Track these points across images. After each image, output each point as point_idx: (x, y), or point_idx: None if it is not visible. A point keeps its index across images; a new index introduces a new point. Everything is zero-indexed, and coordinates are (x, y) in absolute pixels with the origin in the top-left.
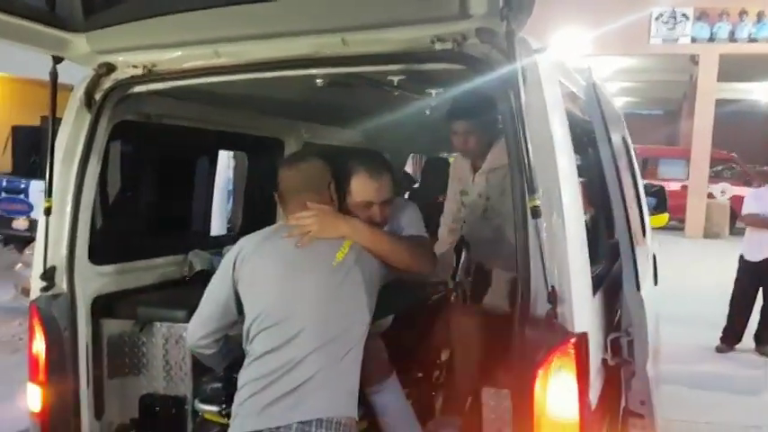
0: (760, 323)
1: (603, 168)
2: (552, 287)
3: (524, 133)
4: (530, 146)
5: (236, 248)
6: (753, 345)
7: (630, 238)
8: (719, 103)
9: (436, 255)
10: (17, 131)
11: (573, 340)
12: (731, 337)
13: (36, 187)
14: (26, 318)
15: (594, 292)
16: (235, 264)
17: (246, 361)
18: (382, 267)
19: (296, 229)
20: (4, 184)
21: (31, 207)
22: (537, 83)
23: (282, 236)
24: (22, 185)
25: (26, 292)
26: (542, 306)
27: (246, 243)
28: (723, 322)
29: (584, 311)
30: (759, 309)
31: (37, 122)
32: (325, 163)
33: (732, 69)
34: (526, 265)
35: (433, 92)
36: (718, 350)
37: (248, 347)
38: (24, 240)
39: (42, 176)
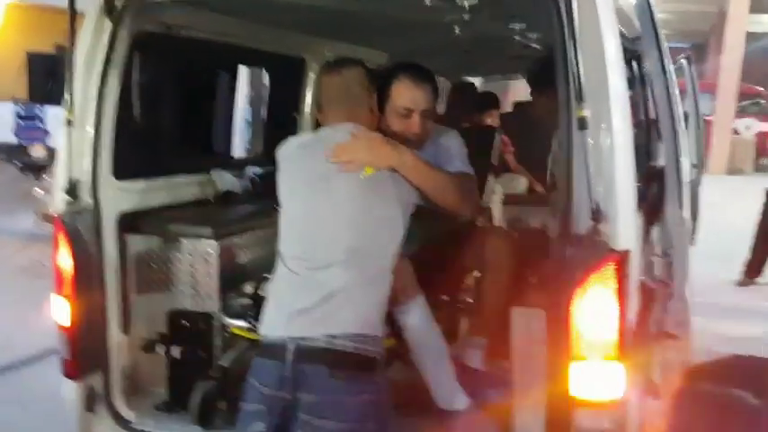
0: None
1: (653, 85)
2: (597, 204)
3: (574, 39)
4: (579, 53)
5: (279, 151)
6: None
7: (677, 158)
8: (749, 36)
9: (477, 196)
10: (32, 58)
11: (616, 258)
12: (753, 269)
13: (53, 113)
14: (48, 244)
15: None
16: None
17: (276, 268)
18: (418, 197)
19: (345, 159)
20: (20, 111)
21: (48, 134)
22: None
23: (322, 152)
24: (39, 112)
25: (47, 218)
26: (585, 223)
27: (285, 147)
28: (743, 257)
29: (628, 229)
30: None
31: (51, 50)
32: (368, 70)
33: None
34: (569, 180)
35: (466, 3)
36: (740, 283)
37: (280, 250)
38: (42, 167)
39: (59, 103)
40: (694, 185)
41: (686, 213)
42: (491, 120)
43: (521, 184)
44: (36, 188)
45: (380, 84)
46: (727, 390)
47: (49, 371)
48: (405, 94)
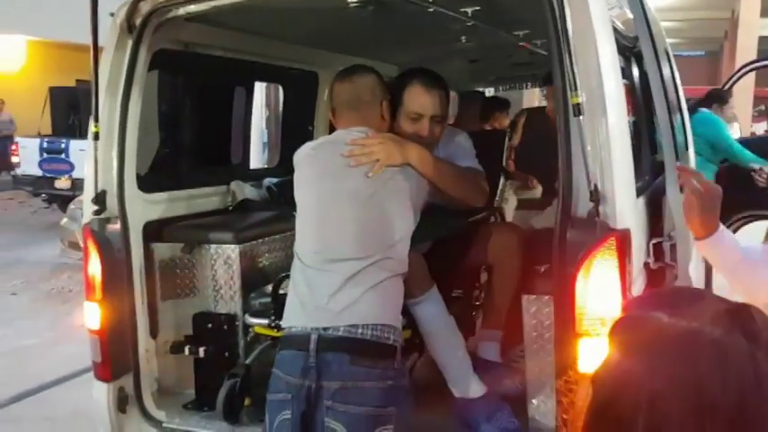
0: None
1: (648, 78)
2: (594, 186)
3: (566, 29)
4: (572, 41)
5: (295, 155)
6: None
7: (675, 144)
8: (762, 40)
9: (487, 188)
10: (54, 93)
11: (615, 236)
12: None
13: (76, 146)
14: (74, 271)
15: (637, 197)
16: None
17: (294, 264)
18: (432, 192)
19: (360, 155)
20: (45, 144)
21: (72, 166)
22: None
23: (341, 153)
24: (63, 145)
25: (73, 246)
26: (584, 205)
27: (300, 150)
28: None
29: (626, 209)
30: None
31: (72, 84)
32: (380, 78)
33: None
34: (568, 164)
35: (470, 11)
36: None
37: (296, 247)
38: (67, 198)
39: (82, 136)
40: None
41: None
42: (499, 123)
43: (537, 190)
44: (65, 218)
45: (394, 89)
46: (647, 312)
47: (74, 392)
48: (415, 99)
